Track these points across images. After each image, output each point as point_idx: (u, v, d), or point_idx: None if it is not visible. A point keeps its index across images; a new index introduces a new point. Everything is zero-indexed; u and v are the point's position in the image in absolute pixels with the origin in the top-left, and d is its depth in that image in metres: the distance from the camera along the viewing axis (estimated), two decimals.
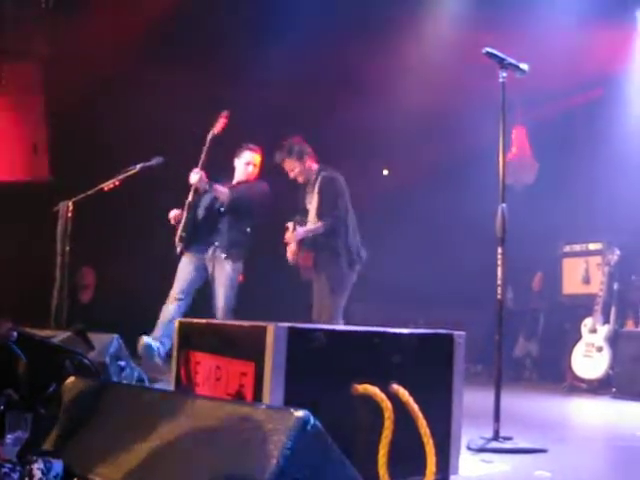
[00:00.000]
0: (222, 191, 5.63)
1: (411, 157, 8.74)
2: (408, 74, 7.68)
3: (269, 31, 7.29)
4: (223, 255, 5.58)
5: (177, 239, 5.68)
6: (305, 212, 5.72)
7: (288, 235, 5.66)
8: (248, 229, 5.74)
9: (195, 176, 5.51)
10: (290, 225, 5.72)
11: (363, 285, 8.64)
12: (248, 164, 5.87)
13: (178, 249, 5.69)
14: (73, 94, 7.13)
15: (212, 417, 1.73)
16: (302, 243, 5.67)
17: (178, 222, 5.69)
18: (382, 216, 8.68)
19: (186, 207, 5.63)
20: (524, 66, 3.74)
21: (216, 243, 5.63)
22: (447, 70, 7.60)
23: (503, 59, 3.69)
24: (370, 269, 8.58)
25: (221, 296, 5.58)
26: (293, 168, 5.71)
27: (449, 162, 8.57)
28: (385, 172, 10.04)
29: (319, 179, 5.65)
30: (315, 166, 5.73)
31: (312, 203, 5.66)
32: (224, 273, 5.60)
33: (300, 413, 1.53)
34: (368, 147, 8.82)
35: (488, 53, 3.68)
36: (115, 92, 7.71)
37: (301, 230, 5.63)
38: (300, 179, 5.76)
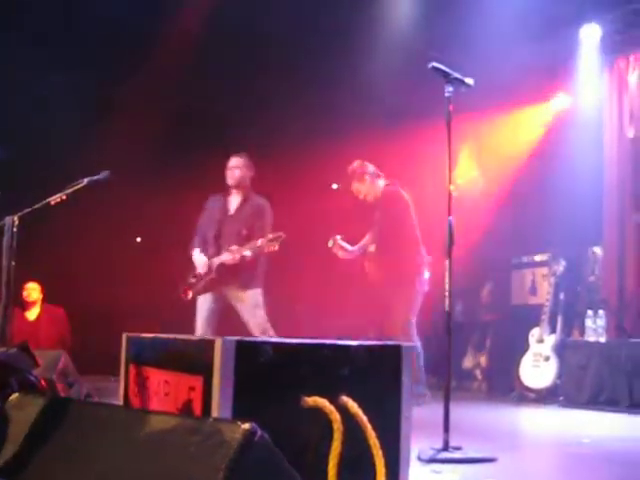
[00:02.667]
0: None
1: None
2: (359, 91, 7.75)
3: None
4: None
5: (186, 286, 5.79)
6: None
7: (342, 254, 5.88)
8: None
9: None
10: (330, 244, 5.91)
11: (312, 297, 8.70)
12: (234, 168, 5.91)
13: (189, 296, 5.78)
14: None
15: (159, 431, 1.72)
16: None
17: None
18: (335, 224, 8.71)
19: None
20: (469, 80, 3.80)
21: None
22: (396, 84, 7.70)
23: (449, 74, 3.74)
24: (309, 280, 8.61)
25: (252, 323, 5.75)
26: (359, 191, 5.97)
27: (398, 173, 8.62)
28: (335, 186, 10.07)
29: (381, 195, 6.04)
30: (380, 183, 5.96)
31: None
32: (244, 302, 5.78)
33: (247, 426, 1.52)
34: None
35: (434, 68, 3.73)
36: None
37: (355, 247, 5.87)
38: (369, 199, 6.02)
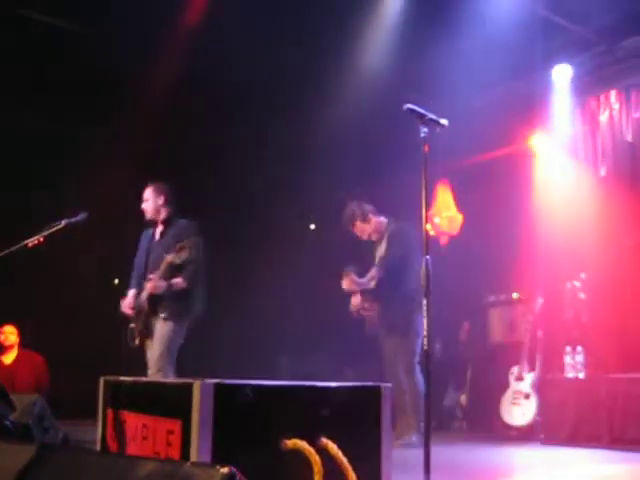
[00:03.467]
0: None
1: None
2: (327, 132, 7.82)
3: None
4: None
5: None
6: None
7: (347, 284, 5.84)
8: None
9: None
10: (344, 274, 5.89)
11: (285, 336, 8.68)
12: (144, 202, 5.74)
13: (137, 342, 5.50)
14: None
15: (136, 477, 1.70)
16: (365, 293, 5.86)
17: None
18: (303, 269, 8.72)
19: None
20: (444, 121, 3.85)
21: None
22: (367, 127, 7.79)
23: (424, 115, 3.79)
24: (291, 319, 8.61)
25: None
26: (364, 230, 5.98)
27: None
28: (312, 227, 10.11)
29: (389, 230, 6.11)
30: (384, 220, 5.98)
31: (380, 252, 5.87)
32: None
33: (225, 470, 1.51)
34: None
35: (409, 109, 3.79)
36: None
37: (364, 279, 5.86)
38: (374, 237, 6.15)
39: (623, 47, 7.73)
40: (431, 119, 3.80)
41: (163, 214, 5.67)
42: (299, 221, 9.60)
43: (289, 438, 2.31)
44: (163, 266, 5.25)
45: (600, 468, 4.96)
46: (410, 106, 3.78)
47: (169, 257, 5.19)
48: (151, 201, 5.67)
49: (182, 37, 6.77)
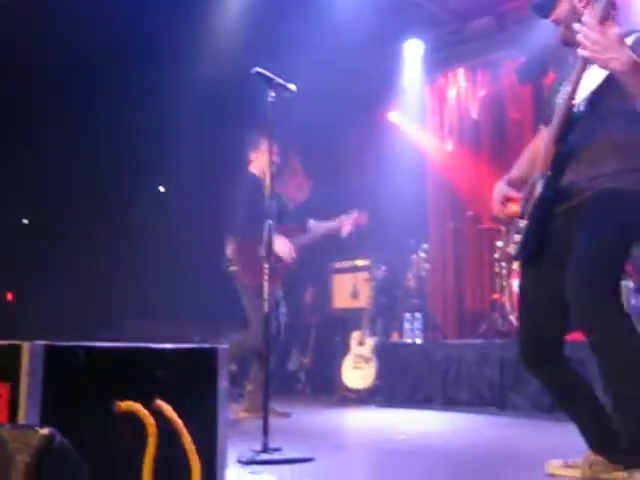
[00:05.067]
0: None
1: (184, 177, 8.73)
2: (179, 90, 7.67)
3: None
4: None
5: None
6: None
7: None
8: None
9: None
10: None
11: (137, 301, 8.54)
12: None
13: None
14: None
15: None
16: None
17: None
18: (156, 233, 8.58)
19: None
20: (292, 86, 3.87)
21: None
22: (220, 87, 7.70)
23: (271, 79, 3.79)
24: (146, 285, 8.48)
25: None
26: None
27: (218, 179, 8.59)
28: (162, 189, 9.93)
29: None
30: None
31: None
32: None
33: (44, 431, 1.47)
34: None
35: (257, 73, 3.77)
36: None
37: None
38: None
39: (472, 28, 8.01)
40: (279, 84, 3.81)
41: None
42: (149, 184, 9.38)
43: (123, 400, 2.27)
44: None
45: (433, 428, 5.21)
46: (258, 69, 3.76)
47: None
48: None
49: None
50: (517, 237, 2.78)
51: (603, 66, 2.41)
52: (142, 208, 8.63)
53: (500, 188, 2.90)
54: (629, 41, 2.57)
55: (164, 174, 9.18)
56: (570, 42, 2.79)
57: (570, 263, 2.58)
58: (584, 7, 2.75)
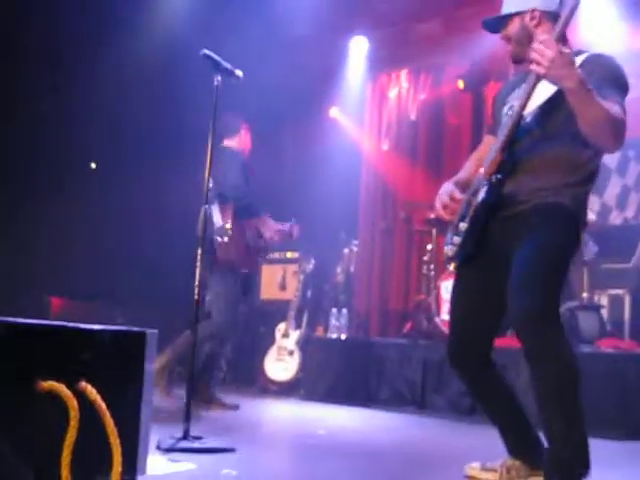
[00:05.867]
0: None
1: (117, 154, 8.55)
2: (124, 71, 7.52)
3: None
4: None
5: None
6: None
7: None
8: None
9: None
10: None
11: (62, 280, 8.34)
12: None
13: None
14: None
15: None
16: None
17: None
18: (84, 211, 8.41)
19: None
20: (239, 72, 3.83)
21: None
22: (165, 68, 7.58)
23: (219, 63, 3.75)
24: (65, 264, 8.28)
25: None
26: None
27: (154, 160, 8.46)
28: (93, 166, 9.70)
29: None
30: None
31: None
32: None
33: None
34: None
35: (205, 55, 3.72)
36: None
37: None
38: None
39: (419, 30, 8.08)
40: (226, 68, 3.76)
41: None
42: (80, 161, 9.15)
43: (46, 380, 2.21)
44: None
45: (353, 424, 5.24)
46: (206, 52, 3.72)
47: None
48: None
49: None
50: (456, 239, 2.81)
51: (556, 83, 2.46)
52: (73, 184, 8.44)
53: (447, 187, 2.92)
54: (578, 60, 2.63)
55: (98, 152, 8.98)
56: (519, 59, 2.88)
57: (511, 273, 2.61)
58: (535, 26, 2.83)
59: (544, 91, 2.67)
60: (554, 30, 2.61)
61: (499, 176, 2.72)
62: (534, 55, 2.38)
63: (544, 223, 2.64)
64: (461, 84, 7.85)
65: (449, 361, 2.94)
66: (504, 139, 2.75)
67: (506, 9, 2.94)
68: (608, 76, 2.62)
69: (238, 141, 5.61)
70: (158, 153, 8.30)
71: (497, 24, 2.94)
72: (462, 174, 3.05)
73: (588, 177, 2.73)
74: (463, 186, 2.91)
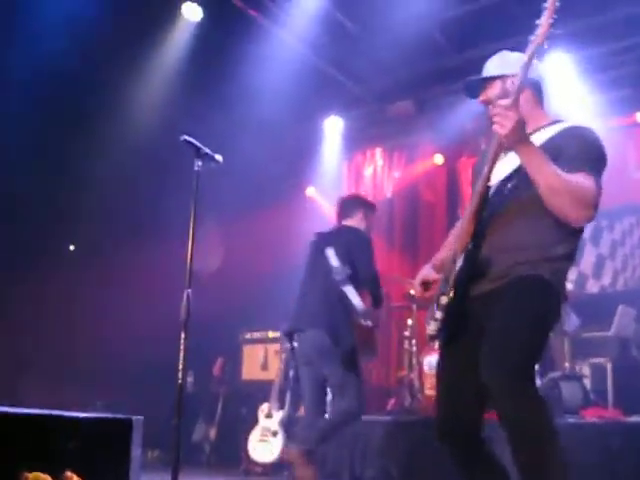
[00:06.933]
0: None
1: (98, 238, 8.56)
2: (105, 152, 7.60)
3: None
4: None
5: None
6: None
7: None
8: None
9: None
10: None
11: (33, 365, 8.23)
12: None
13: None
14: None
15: None
16: None
17: None
18: (64, 295, 8.36)
19: None
20: (219, 157, 3.90)
21: None
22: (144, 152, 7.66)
23: (199, 148, 3.81)
24: (42, 348, 8.19)
25: None
26: None
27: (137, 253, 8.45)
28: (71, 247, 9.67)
29: None
30: None
31: None
32: None
33: None
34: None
35: (185, 141, 3.79)
36: None
37: None
38: None
39: (392, 110, 8.28)
40: (206, 153, 3.83)
41: None
42: (58, 242, 9.14)
43: (31, 470, 2.19)
44: None
45: None
46: (186, 138, 3.78)
47: None
48: None
49: None
50: (438, 314, 2.73)
51: (512, 147, 2.52)
52: (50, 266, 8.41)
53: (424, 270, 2.91)
54: (555, 129, 2.69)
55: (75, 233, 8.98)
56: None
57: (484, 347, 2.57)
58: None
59: (514, 159, 2.65)
60: (532, 97, 2.72)
61: (472, 246, 2.69)
62: (497, 118, 2.43)
63: (520, 294, 2.61)
64: (439, 159, 8.02)
65: (437, 439, 2.87)
66: (474, 209, 2.71)
67: (488, 72, 2.93)
68: (583, 148, 2.62)
69: (365, 220, 5.39)
70: (138, 234, 8.35)
71: (476, 88, 2.92)
72: (441, 253, 3.03)
73: (568, 251, 2.70)
74: (442, 266, 2.86)
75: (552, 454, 2.48)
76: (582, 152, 2.61)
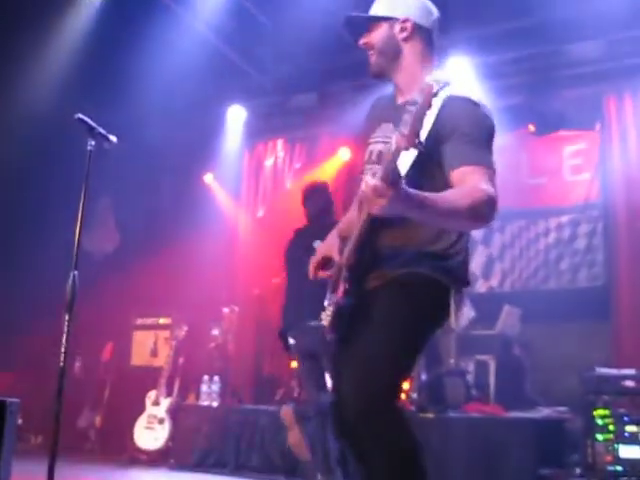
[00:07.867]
0: None
1: None
2: None
3: None
4: None
5: None
6: None
7: None
8: None
9: None
10: None
11: None
12: None
13: None
14: None
15: None
16: None
17: None
18: None
19: None
20: (113, 138, 3.81)
21: None
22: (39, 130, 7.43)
23: (93, 127, 3.73)
24: None
25: None
26: None
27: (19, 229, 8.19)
28: None
29: None
30: None
31: None
32: None
33: None
34: None
35: (79, 119, 3.70)
36: None
37: None
38: None
39: (295, 102, 8.30)
40: (100, 133, 3.75)
41: None
42: None
43: None
44: None
45: None
46: (81, 116, 3.69)
47: None
48: None
49: None
50: (329, 310, 2.53)
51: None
52: None
53: (328, 242, 2.68)
54: (437, 102, 2.11)
55: None
56: (380, 73, 2.53)
57: (351, 359, 2.37)
58: (404, 41, 2.48)
59: (404, 158, 2.18)
60: (421, 49, 2.43)
61: (362, 246, 2.45)
62: (364, 198, 2.07)
63: (396, 297, 2.40)
64: (345, 153, 8.10)
65: (334, 430, 2.64)
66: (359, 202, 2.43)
67: (375, 10, 2.52)
68: (474, 133, 2.30)
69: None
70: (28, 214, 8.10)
71: (359, 26, 2.53)
72: (343, 224, 2.76)
73: (448, 246, 2.43)
74: (345, 234, 2.61)
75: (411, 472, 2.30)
76: (475, 139, 2.29)
